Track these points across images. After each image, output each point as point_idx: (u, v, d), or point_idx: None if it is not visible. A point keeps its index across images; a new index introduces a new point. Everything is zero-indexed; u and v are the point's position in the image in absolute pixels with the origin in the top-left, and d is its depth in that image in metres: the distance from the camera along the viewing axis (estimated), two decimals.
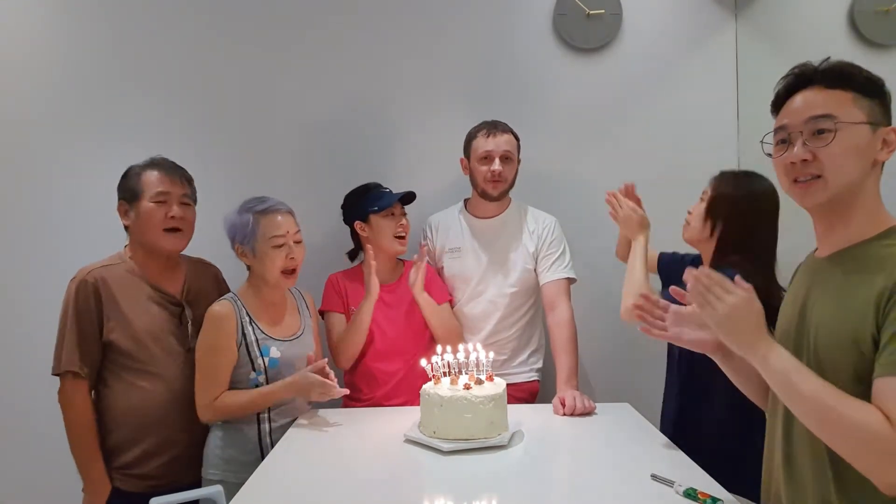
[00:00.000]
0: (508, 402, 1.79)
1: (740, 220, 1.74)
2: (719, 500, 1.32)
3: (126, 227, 1.96)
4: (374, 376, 2.20)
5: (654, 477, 1.44)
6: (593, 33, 2.60)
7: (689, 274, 1.20)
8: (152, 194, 1.90)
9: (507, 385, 2.13)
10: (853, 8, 2.51)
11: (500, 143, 2.23)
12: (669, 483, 1.40)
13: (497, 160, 2.22)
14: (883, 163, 1.16)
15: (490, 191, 2.26)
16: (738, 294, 1.15)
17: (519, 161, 2.31)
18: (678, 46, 2.63)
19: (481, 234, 2.33)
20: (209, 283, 2.10)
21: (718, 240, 1.77)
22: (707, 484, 1.40)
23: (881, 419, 0.98)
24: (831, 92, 1.15)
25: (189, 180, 2.00)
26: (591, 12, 2.58)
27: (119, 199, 1.94)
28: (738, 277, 1.18)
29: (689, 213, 1.88)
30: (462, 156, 2.35)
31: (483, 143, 2.24)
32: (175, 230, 1.93)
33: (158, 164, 1.96)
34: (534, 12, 2.61)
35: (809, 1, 2.68)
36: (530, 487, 1.48)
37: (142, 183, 1.91)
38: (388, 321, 2.22)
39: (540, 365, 2.40)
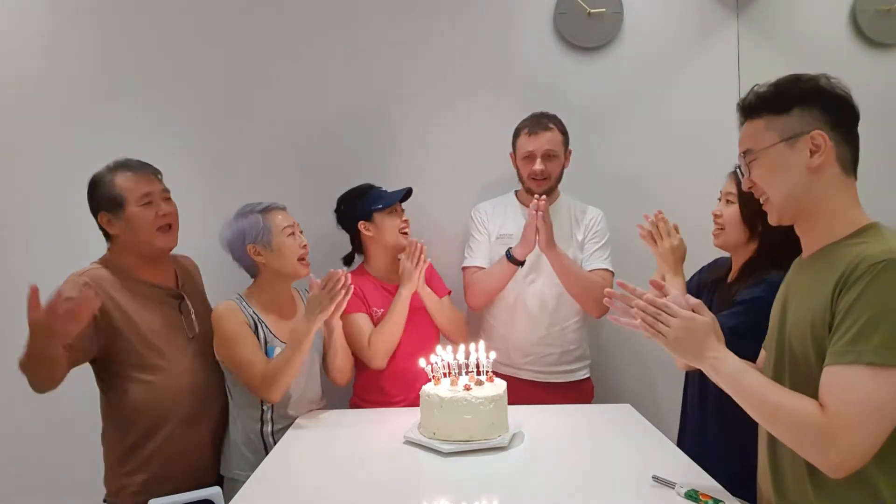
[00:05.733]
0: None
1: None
2: (721, 501, 1.31)
3: (109, 236, 1.91)
4: (404, 376, 2.14)
5: (655, 478, 1.43)
6: (594, 32, 2.59)
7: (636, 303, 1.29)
8: (137, 198, 1.85)
9: (562, 385, 2.26)
10: (854, 7, 2.51)
11: (541, 142, 2.22)
12: (671, 485, 1.39)
13: (539, 160, 2.23)
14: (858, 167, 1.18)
15: (535, 188, 2.26)
16: (682, 316, 1.24)
17: (569, 152, 2.30)
18: (679, 45, 2.62)
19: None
20: (195, 274, 2.11)
21: (761, 242, 1.69)
22: (708, 486, 1.40)
23: (814, 407, 1.07)
24: (749, 124, 1.24)
25: (161, 174, 1.96)
26: (592, 11, 2.57)
27: (98, 211, 1.87)
28: (688, 296, 1.32)
29: (718, 215, 1.78)
30: (510, 151, 2.35)
31: (525, 143, 2.25)
32: (167, 227, 1.90)
33: (129, 166, 1.89)
34: (534, 11, 2.60)
35: (811, 0, 2.68)
36: (530, 489, 1.48)
37: (121, 189, 1.85)
38: (410, 321, 2.21)
39: (590, 359, 2.40)
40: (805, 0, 2.69)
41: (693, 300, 1.30)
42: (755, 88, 1.23)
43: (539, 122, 2.25)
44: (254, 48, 2.56)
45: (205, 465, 1.92)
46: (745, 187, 1.28)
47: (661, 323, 1.26)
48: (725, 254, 1.86)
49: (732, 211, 1.73)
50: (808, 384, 1.12)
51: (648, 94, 2.62)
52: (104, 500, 1.89)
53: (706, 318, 1.26)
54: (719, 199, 1.80)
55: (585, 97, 2.61)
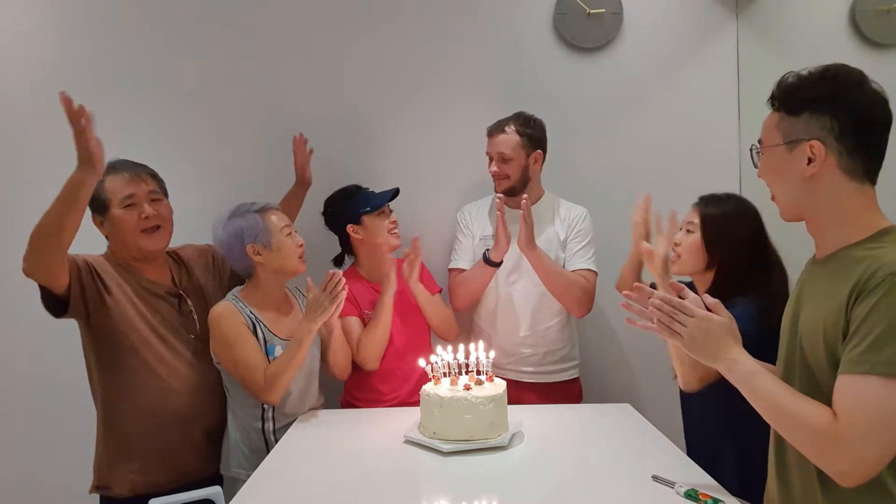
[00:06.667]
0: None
1: (742, 242, 1.71)
2: (720, 500, 1.31)
3: (106, 236, 1.93)
4: (395, 375, 2.19)
5: (654, 478, 1.43)
6: (594, 32, 2.60)
7: (651, 301, 1.28)
8: (119, 200, 1.85)
9: (547, 385, 2.26)
10: (854, 7, 2.51)
11: (495, 144, 2.25)
12: (670, 484, 1.39)
13: (493, 162, 2.26)
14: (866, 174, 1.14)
15: (496, 188, 2.29)
16: (699, 315, 1.23)
17: (537, 154, 2.28)
18: (679, 46, 2.62)
19: (514, 223, 2.26)
20: (197, 265, 2.09)
21: (720, 269, 1.73)
22: (708, 485, 1.40)
23: (826, 414, 1.07)
24: (770, 115, 1.22)
25: (153, 175, 1.95)
26: (592, 11, 2.57)
27: (92, 212, 1.87)
28: (705, 295, 1.29)
29: (677, 244, 1.81)
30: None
31: (486, 145, 2.30)
32: (153, 229, 1.90)
33: (117, 167, 1.89)
34: (534, 11, 2.60)
35: (810, 0, 2.68)
36: (530, 488, 1.48)
37: (106, 191, 1.85)
38: (401, 319, 2.23)
39: (579, 360, 2.40)
40: (804, 0, 2.69)
41: (710, 300, 1.28)
42: (785, 77, 1.19)
43: (498, 124, 2.28)
44: (243, 47, 2.56)
45: (201, 463, 1.93)
46: (757, 177, 1.27)
47: (678, 322, 1.24)
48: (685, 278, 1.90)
49: (690, 240, 1.77)
50: (818, 388, 1.12)
51: (648, 95, 2.62)
52: (95, 493, 1.89)
53: (723, 318, 1.25)
54: (680, 229, 1.83)
55: (585, 98, 2.61)
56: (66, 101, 1.48)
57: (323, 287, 1.85)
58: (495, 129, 2.27)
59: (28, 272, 1.67)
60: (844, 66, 1.16)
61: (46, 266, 1.68)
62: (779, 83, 1.19)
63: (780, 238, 1.75)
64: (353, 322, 2.19)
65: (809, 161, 1.14)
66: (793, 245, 1.57)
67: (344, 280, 1.86)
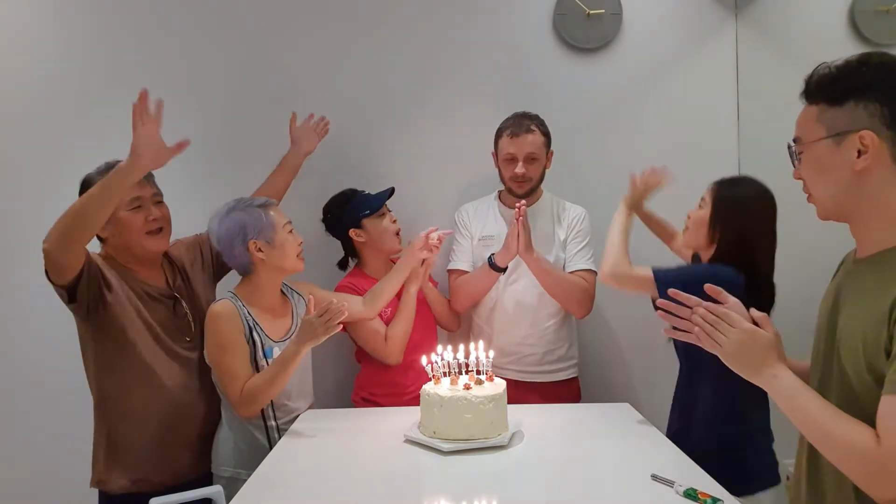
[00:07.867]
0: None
1: (738, 225, 1.74)
2: (719, 500, 1.31)
3: (101, 238, 1.90)
4: (413, 367, 2.17)
5: (654, 477, 1.44)
6: (593, 33, 2.60)
7: (697, 308, 1.24)
8: (126, 202, 1.84)
9: (546, 384, 2.27)
10: (853, 8, 2.52)
11: (523, 145, 2.21)
12: (669, 483, 1.40)
13: (521, 163, 2.22)
14: None
15: (516, 190, 2.27)
16: (743, 328, 1.19)
17: (551, 153, 2.30)
18: (678, 46, 2.62)
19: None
20: (190, 262, 2.09)
21: (718, 246, 1.77)
22: (707, 484, 1.40)
23: (869, 438, 1.01)
24: (806, 110, 1.14)
25: (153, 177, 1.94)
26: (591, 12, 2.57)
27: None
28: (753, 310, 1.23)
29: (688, 217, 1.87)
30: (492, 150, 2.34)
31: (507, 145, 2.24)
32: (157, 230, 1.91)
33: None
34: (534, 12, 2.60)
35: (810, 0, 2.68)
36: (530, 488, 1.48)
37: None
38: (416, 313, 2.25)
39: (577, 359, 2.40)
40: (804, 0, 2.69)
41: (757, 314, 1.23)
42: (819, 69, 1.11)
43: (521, 123, 2.23)
44: (243, 49, 2.57)
45: (196, 462, 1.93)
46: (794, 177, 1.20)
47: (720, 333, 1.20)
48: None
49: (698, 215, 1.82)
50: (855, 398, 1.07)
51: (647, 95, 2.62)
52: (95, 487, 1.91)
53: (769, 333, 1.20)
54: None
55: (584, 98, 2.61)
56: (144, 96, 1.57)
57: (320, 314, 1.78)
58: (521, 130, 2.22)
59: (48, 251, 1.67)
60: (884, 53, 1.09)
61: (69, 249, 1.67)
62: (811, 76, 1.12)
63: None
64: (374, 321, 2.20)
65: (859, 153, 1.06)
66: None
67: (345, 314, 1.79)
